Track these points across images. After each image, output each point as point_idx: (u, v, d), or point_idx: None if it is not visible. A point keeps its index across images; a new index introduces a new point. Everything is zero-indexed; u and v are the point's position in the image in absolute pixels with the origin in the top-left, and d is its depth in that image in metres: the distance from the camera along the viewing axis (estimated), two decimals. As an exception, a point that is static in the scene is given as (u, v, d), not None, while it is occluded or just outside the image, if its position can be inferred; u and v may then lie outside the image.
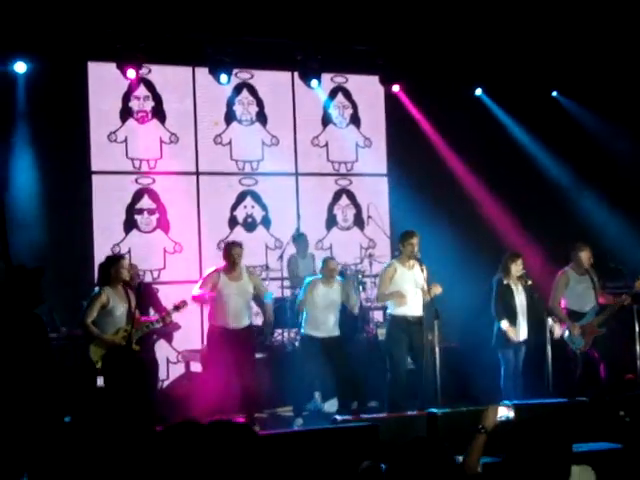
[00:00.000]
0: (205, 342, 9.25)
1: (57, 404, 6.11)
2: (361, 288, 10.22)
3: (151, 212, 10.94)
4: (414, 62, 11.27)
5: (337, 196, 11.92)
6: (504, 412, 4.09)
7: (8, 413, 5.90)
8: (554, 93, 12.20)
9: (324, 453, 5.86)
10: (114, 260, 8.08)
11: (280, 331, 10.26)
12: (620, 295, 8.94)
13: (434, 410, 6.84)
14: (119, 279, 7.85)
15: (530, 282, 8.79)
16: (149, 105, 10.98)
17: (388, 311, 8.72)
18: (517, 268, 8.77)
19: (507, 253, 8.99)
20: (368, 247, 11.66)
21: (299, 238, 10.76)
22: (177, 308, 8.09)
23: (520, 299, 8.79)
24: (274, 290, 10.46)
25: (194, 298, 8.45)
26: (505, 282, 8.79)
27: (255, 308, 9.18)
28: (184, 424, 3.36)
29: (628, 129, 11.36)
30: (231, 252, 8.44)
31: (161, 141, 11.01)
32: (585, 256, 8.96)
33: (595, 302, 8.94)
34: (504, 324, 8.66)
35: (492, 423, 3.94)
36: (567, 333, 8.93)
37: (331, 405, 8.76)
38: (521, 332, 8.76)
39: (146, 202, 10.94)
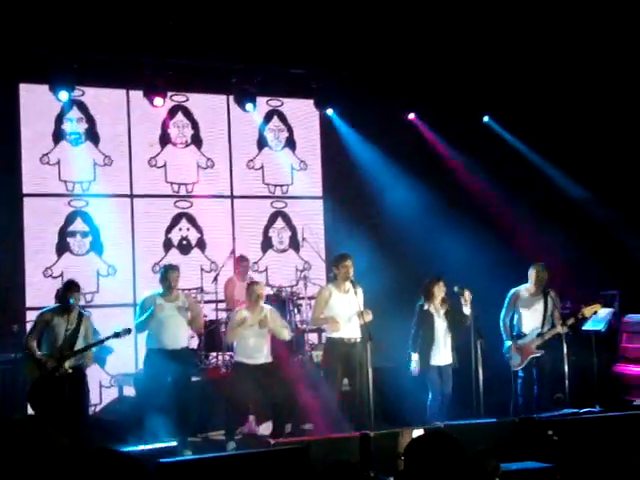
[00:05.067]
0: (141, 365, 9.18)
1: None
2: (296, 310, 10.25)
3: (84, 235, 10.83)
4: (348, 85, 11.39)
5: (272, 218, 11.95)
6: (419, 434, 4.10)
7: None
8: (485, 118, 12.43)
9: (256, 476, 5.86)
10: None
11: (215, 354, 10.22)
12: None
13: (367, 431, 6.89)
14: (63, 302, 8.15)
15: (468, 292, 8.79)
16: (82, 127, 10.90)
17: (325, 334, 8.78)
18: (441, 290, 8.85)
19: (428, 278, 9.04)
20: (303, 269, 11.71)
21: (243, 262, 10.66)
22: (117, 335, 8.13)
23: (441, 324, 8.84)
24: (208, 313, 10.44)
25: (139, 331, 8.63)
26: (426, 308, 8.87)
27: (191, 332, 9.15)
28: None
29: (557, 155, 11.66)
30: (168, 276, 8.51)
31: (95, 163, 10.92)
32: (535, 276, 9.06)
33: (540, 324, 9.05)
34: (415, 357, 8.81)
35: None
36: (507, 350, 9.07)
37: (265, 428, 8.74)
38: (442, 357, 8.82)
39: (79, 225, 10.83)
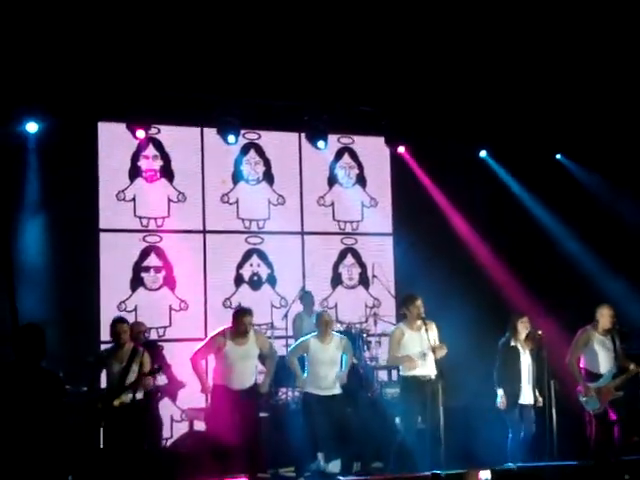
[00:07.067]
0: (209, 401, 9.23)
1: (61, 463, 6.10)
2: (365, 347, 10.22)
3: (157, 270, 11.01)
4: (419, 124, 11.42)
5: (342, 255, 11.99)
6: (485, 476, 4.06)
7: (14, 468, 5.89)
8: (558, 156, 12.32)
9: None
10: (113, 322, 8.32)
11: (284, 390, 10.23)
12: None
13: (438, 471, 6.83)
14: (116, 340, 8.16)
15: (540, 332, 8.73)
16: (158, 164, 11.14)
17: (400, 372, 8.74)
18: (524, 326, 8.77)
19: (513, 314, 8.99)
20: (373, 306, 11.66)
21: (305, 296, 10.81)
22: (151, 373, 8.01)
23: (526, 362, 8.75)
24: (278, 349, 10.44)
25: (193, 365, 8.46)
26: (512, 344, 8.77)
27: (260, 366, 9.17)
28: None
29: (631, 191, 11.43)
30: (242, 320, 8.33)
31: (169, 200, 11.13)
32: (606, 316, 8.85)
33: (613, 365, 8.83)
34: (500, 392, 8.68)
35: None
36: (582, 394, 8.86)
37: (334, 466, 8.69)
38: (526, 396, 8.71)
39: (153, 260, 11.02)
